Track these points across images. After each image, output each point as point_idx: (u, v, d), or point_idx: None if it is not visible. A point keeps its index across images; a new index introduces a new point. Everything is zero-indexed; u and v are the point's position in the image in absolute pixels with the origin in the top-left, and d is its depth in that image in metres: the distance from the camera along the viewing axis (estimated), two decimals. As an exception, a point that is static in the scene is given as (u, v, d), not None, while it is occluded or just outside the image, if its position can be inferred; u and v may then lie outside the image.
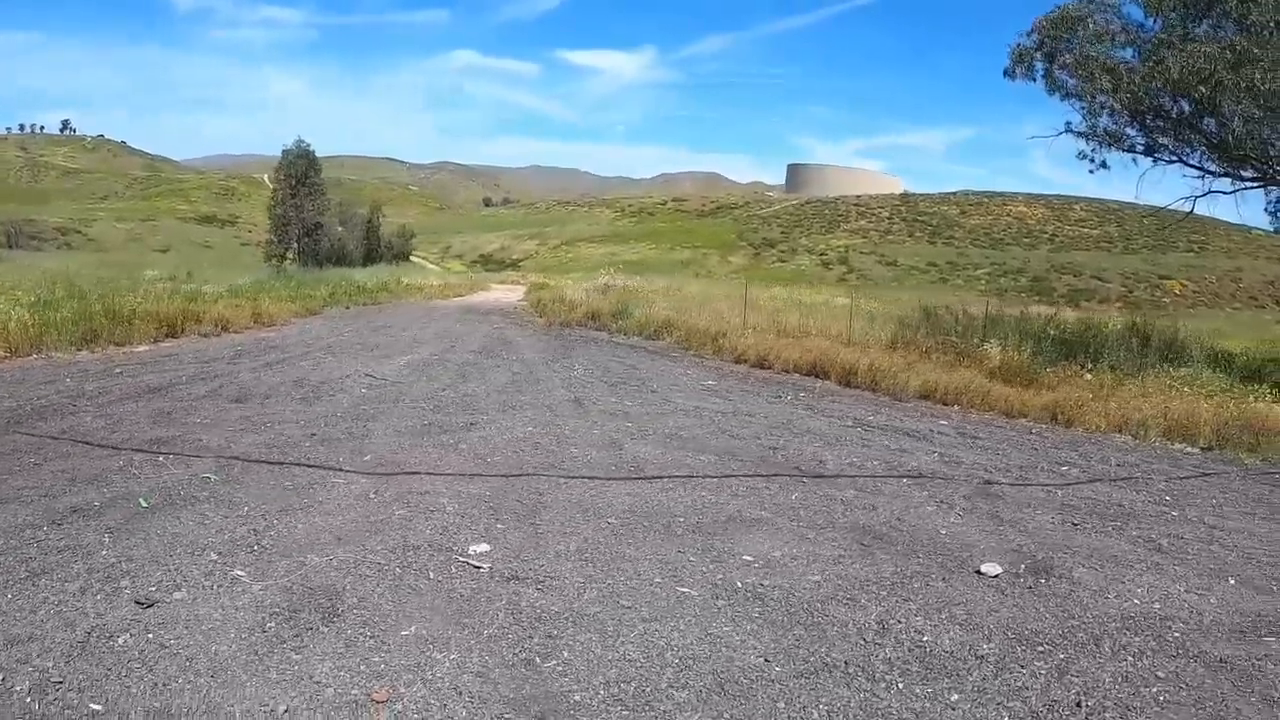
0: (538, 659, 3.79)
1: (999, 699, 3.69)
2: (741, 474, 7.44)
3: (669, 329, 19.77)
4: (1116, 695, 3.79)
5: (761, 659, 3.91)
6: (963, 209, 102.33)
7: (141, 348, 13.80)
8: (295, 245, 55.41)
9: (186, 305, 17.00)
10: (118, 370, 11.39)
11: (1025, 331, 15.31)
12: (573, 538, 5.41)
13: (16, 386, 9.84)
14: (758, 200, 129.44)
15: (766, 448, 8.59)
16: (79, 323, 13.56)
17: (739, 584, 4.81)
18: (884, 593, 4.82)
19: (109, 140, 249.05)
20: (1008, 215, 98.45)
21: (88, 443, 7.26)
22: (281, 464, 6.86)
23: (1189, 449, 10.49)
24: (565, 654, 3.85)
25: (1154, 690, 3.87)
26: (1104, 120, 15.43)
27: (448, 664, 3.70)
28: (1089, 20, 14.54)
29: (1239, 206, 16.14)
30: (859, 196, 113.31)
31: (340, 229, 66.39)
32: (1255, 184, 16.04)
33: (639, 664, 3.81)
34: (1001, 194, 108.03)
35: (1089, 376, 13.43)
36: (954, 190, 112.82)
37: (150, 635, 3.79)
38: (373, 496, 6.09)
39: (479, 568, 4.81)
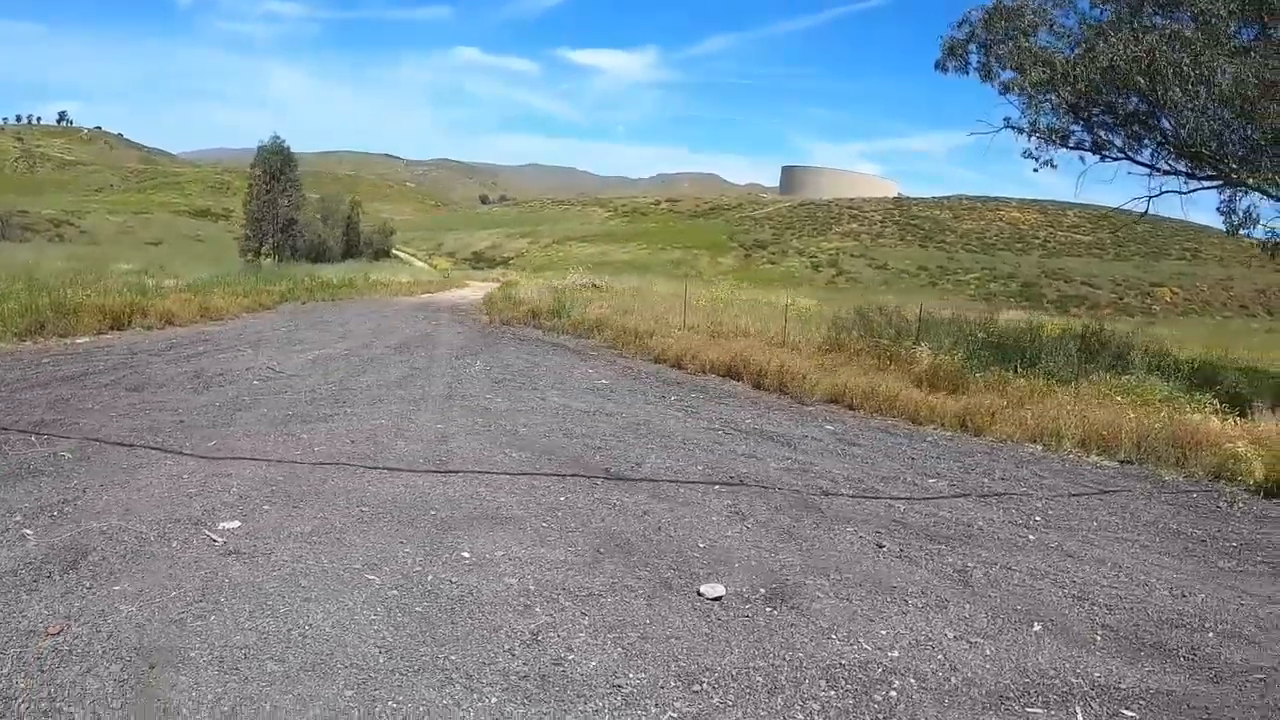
0: (190, 618, 3.98)
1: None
2: (542, 472, 7.11)
3: (600, 328, 19.35)
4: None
5: (381, 651, 3.80)
6: (956, 213, 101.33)
7: (83, 340, 13.85)
8: (270, 241, 55.43)
9: (134, 299, 16.97)
10: (46, 361, 11.48)
11: (961, 335, 14.38)
12: (314, 522, 5.45)
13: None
14: (751, 202, 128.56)
15: (594, 448, 8.21)
16: (25, 315, 13.77)
17: (430, 579, 4.64)
18: (569, 604, 4.43)
19: (105, 132, 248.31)
20: (1001, 220, 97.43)
21: (-22, 423, 7.60)
22: (133, 446, 7.11)
23: (1105, 462, 9.59)
24: (212, 619, 4.00)
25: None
26: (1046, 117, 14.47)
27: (123, 613, 3.98)
28: (1025, 10, 13.56)
29: (1184, 207, 14.88)
30: (852, 199, 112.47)
31: (321, 225, 66.15)
32: (1211, 183, 15.07)
33: (270, 637, 3.86)
34: (995, 199, 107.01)
35: (1021, 382, 12.53)
36: (948, 194, 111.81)
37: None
38: (184, 477, 6.25)
39: (215, 541, 4.99)
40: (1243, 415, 11.68)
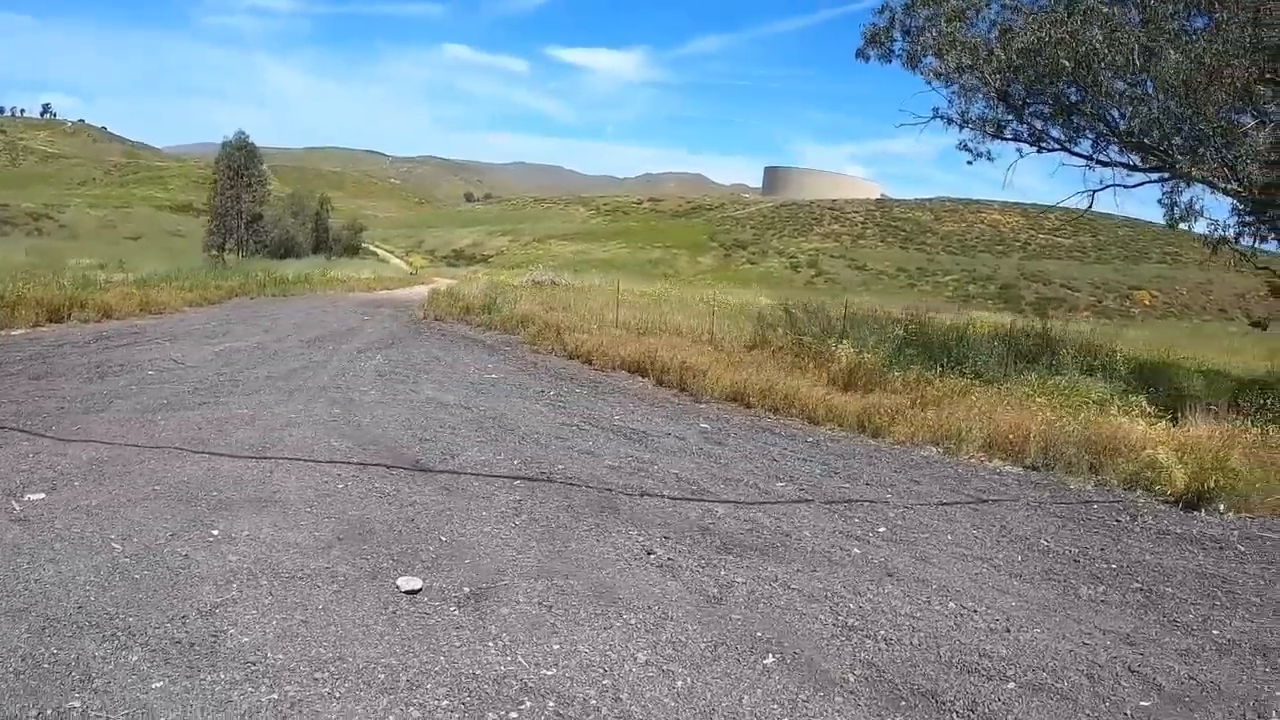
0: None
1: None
2: (349, 461, 7.13)
3: (526, 324, 18.69)
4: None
5: (77, 607, 4.03)
6: (938, 215, 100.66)
7: (19, 332, 14.21)
8: (234, 236, 54.91)
9: (75, 293, 17.36)
10: (-28, 351, 11.69)
11: (885, 333, 13.56)
12: (105, 497, 5.69)
13: None
14: (734, 202, 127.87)
15: (424, 440, 8.14)
16: (-38, 308, 14.45)
17: (166, 551, 4.83)
18: (265, 584, 4.49)
19: (89, 125, 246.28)
20: (982, 223, 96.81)
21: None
22: (4, 429, 7.38)
23: (1007, 468, 8.79)
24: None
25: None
26: (977, 106, 13.62)
27: None
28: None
29: (1117, 199, 13.98)
30: (835, 200, 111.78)
31: (291, 221, 65.45)
32: (1154, 175, 14.23)
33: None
34: (977, 201, 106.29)
35: (941, 382, 11.69)
36: (930, 196, 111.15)
37: None
38: (29, 456, 6.57)
39: (15, 509, 5.34)
40: (1175, 420, 10.86)
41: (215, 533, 5.13)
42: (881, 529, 6.11)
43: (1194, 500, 7.96)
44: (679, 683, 3.63)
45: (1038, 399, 11.06)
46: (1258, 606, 5.17)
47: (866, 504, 6.81)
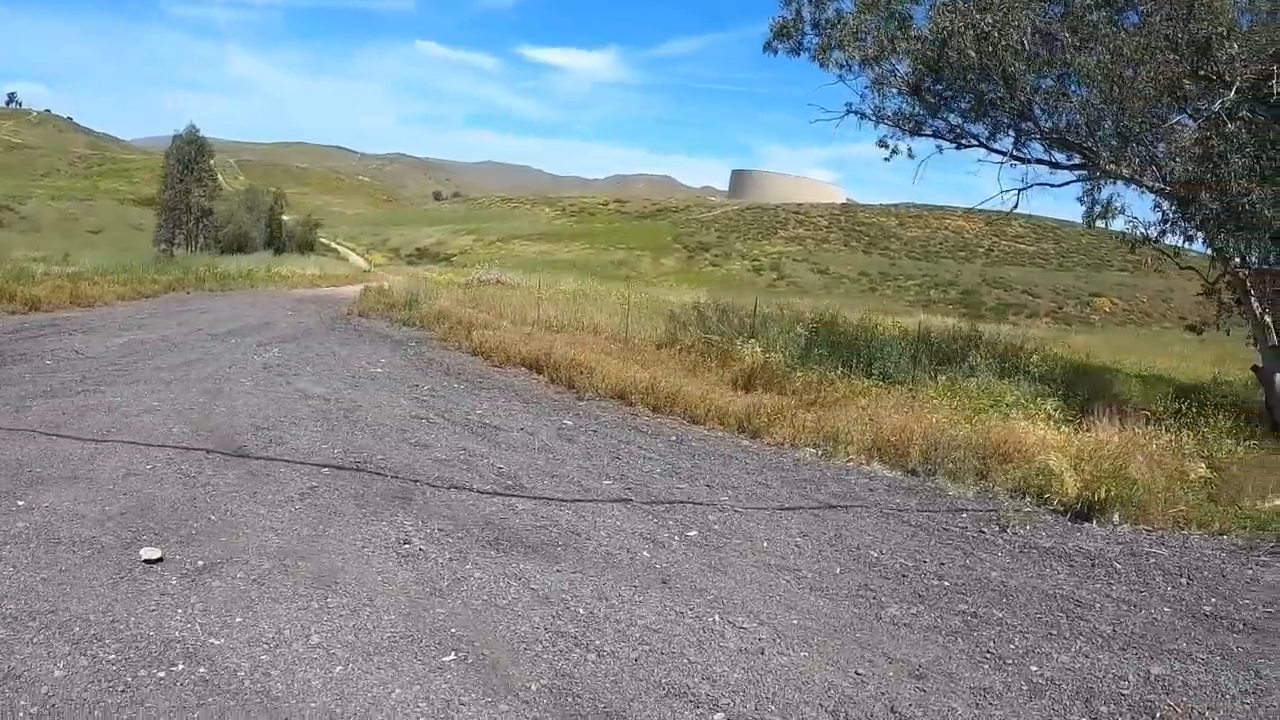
0: None
1: None
2: (176, 445, 7.19)
3: (441, 320, 18.16)
4: None
5: None
6: (902, 220, 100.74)
7: None
8: (184, 230, 53.96)
9: (2, 285, 17.50)
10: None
11: (794, 333, 12.98)
12: None
13: None
14: (699, 204, 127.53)
15: (261, 428, 8.10)
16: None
17: None
18: (16, 550, 4.67)
19: (55, 116, 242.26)
20: (946, 229, 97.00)
21: None
22: None
23: (884, 472, 8.23)
24: None
25: None
26: (893, 101, 13.01)
27: None
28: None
29: (1025, 196, 13.25)
30: (800, 204, 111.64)
31: (246, 216, 64.55)
32: (1079, 173, 13.71)
33: None
34: (941, 207, 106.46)
35: (840, 384, 11.12)
36: (895, 202, 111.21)
37: None
38: None
39: None
40: (1082, 423, 10.31)
41: (21, 503, 5.38)
42: (692, 533, 5.64)
43: (1086, 510, 7.42)
44: (338, 668, 3.63)
45: (942, 401, 10.53)
46: (1104, 639, 4.56)
47: (691, 506, 6.35)
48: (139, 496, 5.73)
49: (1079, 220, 19.71)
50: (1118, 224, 13.64)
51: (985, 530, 6.51)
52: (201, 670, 3.52)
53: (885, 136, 13.91)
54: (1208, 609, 5.11)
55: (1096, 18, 11.98)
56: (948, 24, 10.88)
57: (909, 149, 14.13)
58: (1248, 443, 10.55)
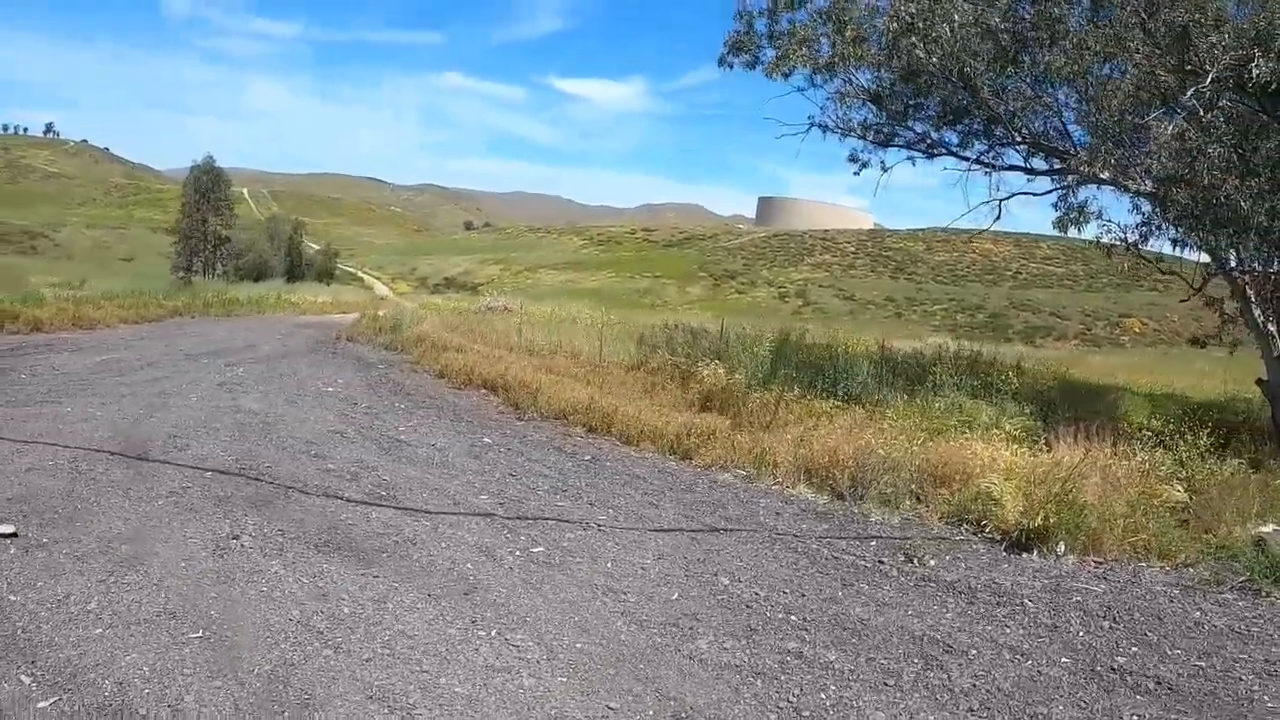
0: None
1: None
2: (87, 448, 7.49)
3: (418, 344, 18.23)
4: None
5: None
6: (929, 245, 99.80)
7: None
8: (200, 258, 55.04)
9: (8, 307, 18.35)
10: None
11: (756, 354, 12.65)
12: None
13: None
14: (726, 232, 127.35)
15: (174, 437, 8.37)
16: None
17: None
18: None
19: (91, 146, 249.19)
20: (974, 252, 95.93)
21: None
22: None
23: (811, 495, 7.77)
24: None
25: None
26: (859, 113, 12.64)
27: None
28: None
29: (995, 192, 12.53)
30: (827, 230, 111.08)
31: (268, 245, 65.65)
32: (1056, 178, 13.20)
33: None
34: (968, 231, 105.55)
35: (794, 405, 10.76)
36: (923, 227, 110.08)
37: None
38: None
39: None
40: (1046, 442, 9.76)
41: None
42: (538, 549, 5.54)
43: (1026, 540, 6.77)
44: (97, 630, 4.03)
45: (900, 421, 10.08)
46: (952, 696, 3.88)
47: (556, 524, 6.16)
48: (30, 486, 6.22)
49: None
50: (1090, 230, 13.09)
51: (885, 561, 5.94)
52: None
53: (855, 151, 13.56)
54: (1119, 662, 4.37)
55: (1060, 11, 11.49)
56: (887, 24, 10.51)
57: (881, 162, 13.76)
58: (1234, 461, 9.86)
